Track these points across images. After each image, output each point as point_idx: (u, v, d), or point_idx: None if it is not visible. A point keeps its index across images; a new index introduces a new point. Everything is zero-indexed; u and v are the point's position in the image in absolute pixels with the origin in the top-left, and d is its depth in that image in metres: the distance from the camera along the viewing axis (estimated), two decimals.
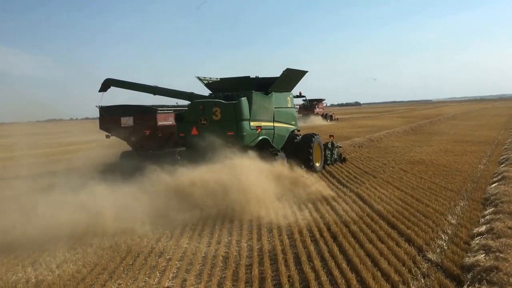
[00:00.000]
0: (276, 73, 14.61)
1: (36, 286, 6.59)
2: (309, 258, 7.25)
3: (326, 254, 7.37)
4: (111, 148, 19.31)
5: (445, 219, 8.92)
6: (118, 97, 16.17)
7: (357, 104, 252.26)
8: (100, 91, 14.92)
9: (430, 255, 7.01)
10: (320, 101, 60.45)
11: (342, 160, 18.15)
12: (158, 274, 6.87)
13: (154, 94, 14.81)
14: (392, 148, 22.66)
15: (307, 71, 15.43)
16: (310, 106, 56.25)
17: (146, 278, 6.73)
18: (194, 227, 9.35)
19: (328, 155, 17.33)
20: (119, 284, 6.58)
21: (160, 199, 10.31)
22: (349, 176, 14.84)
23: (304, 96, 17.98)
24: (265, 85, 14.34)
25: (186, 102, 15.29)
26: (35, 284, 6.66)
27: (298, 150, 15.31)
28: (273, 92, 14.37)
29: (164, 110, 15.71)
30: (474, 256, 6.68)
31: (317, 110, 58.54)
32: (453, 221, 8.78)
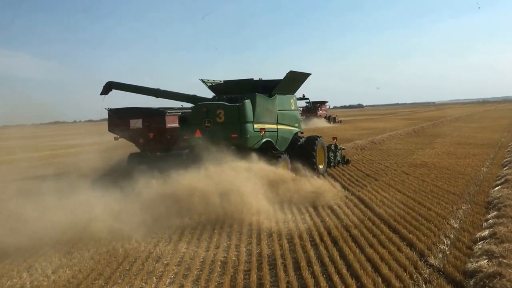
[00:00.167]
0: (280, 75, 14.66)
1: None
2: (309, 263, 7.13)
3: (326, 259, 7.25)
4: (114, 150, 19.29)
5: (448, 223, 8.78)
6: (126, 99, 16.39)
7: (360, 106, 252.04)
8: (101, 94, 14.95)
9: (432, 260, 6.89)
10: (323, 103, 60.30)
11: (346, 162, 18.12)
12: (154, 279, 6.76)
13: (157, 97, 14.89)
14: (394, 150, 22.53)
15: (310, 74, 15.49)
16: (313, 108, 56.17)
17: (143, 283, 6.62)
18: (193, 231, 9.25)
19: (332, 157, 17.37)
20: None
21: (159, 203, 10.23)
22: (350, 179, 14.72)
23: (307, 99, 18.07)
24: (269, 88, 14.39)
25: (189, 105, 15.32)
26: None
27: (301, 152, 15.34)
28: (276, 95, 14.40)
29: (172, 112, 15.90)
30: (477, 262, 6.55)
31: (320, 112, 58.38)
32: (456, 225, 8.64)
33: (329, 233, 8.62)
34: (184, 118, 14.04)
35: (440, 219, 9.07)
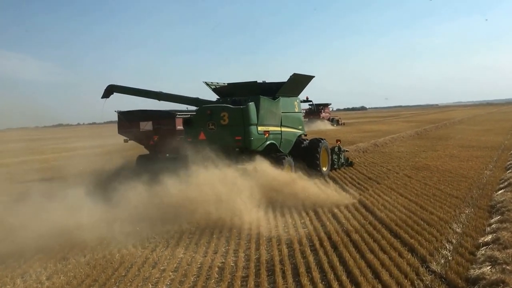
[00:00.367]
0: (283, 78, 14.66)
1: None
2: (308, 269, 6.98)
3: (326, 265, 7.09)
4: (117, 152, 19.24)
5: (450, 228, 8.62)
6: (137, 102, 16.62)
7: (363, 108, 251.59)
8: (103, 97, 14.99)
9: (434, 267, 6.73)
10: (326, 105, 60.16)
11: (349, 164, 18.07)
12: (150, 286, 6.63)
13: (159, 100, 15.00)
14: (397, 153, 22.35)
15: (314, 76, 15.47)
16: (316, 111, 56.05)
17: None
18: (192, 236, 9.11)
19: (335, 159, 17.39)
20: None
21: (158, 207, 10.12)
22: (352, 182, 14.58)
23: (311, 101, 18.19)
24: (273, 90, 14.40)
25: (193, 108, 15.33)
26: None
27: (305, 154, 15.34)
28: (280, 97, 14.37)
29: (182, 114, 15.92)
30: (480, 268, 6.38)
31: (323, 114, 58.23)
32: (458, 230, 8.47)
33: (329, 238, 8.47)
34: (188, 121, 14.08)
35: (442, 224, 8.91)
